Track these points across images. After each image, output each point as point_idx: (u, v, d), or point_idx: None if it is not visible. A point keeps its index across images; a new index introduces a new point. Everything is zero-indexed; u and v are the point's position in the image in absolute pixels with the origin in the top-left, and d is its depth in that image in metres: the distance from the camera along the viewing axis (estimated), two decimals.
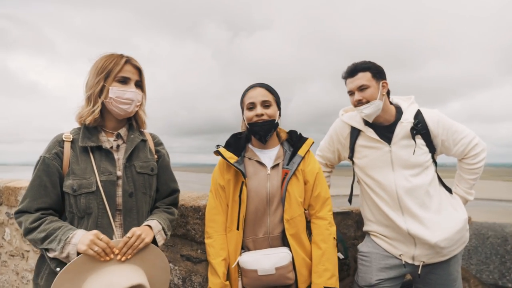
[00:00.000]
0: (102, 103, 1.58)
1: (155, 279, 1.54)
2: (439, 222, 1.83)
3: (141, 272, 1.47)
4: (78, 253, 1.38)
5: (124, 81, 1.59)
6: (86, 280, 1.37)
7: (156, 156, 1.76)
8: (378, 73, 1.89)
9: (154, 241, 1.57)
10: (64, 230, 1.42)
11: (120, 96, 1.56)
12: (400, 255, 1.88)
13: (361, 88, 1.86)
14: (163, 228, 1.62)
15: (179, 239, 2.34)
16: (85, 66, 1.64)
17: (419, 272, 1.86)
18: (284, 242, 1.71)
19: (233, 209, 1.74)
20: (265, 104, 1.73)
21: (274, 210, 1.72)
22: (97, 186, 1.51)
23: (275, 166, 1.77)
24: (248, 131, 1.80)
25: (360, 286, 1.94)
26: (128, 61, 1.60)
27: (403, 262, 1.87)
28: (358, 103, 1.88)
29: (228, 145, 1.82)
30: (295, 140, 1.84)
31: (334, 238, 1.76)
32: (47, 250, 1.43)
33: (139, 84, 1.65)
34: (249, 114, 1.74)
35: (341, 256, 1.92)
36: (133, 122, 1.73)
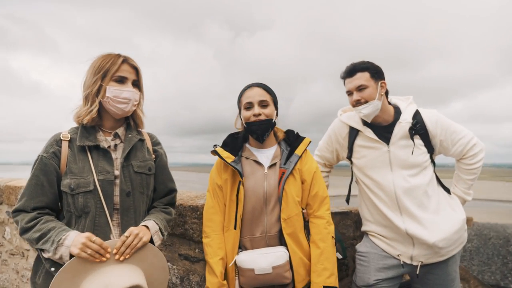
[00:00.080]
0: (100, 103, 1.59)
1: (154, 279, 1.54)
2: (437, 222, 1.82)
3: (139, 272, 1.47)
4: (71, 255, 1.37)
5: (121, 80, 1.59)
6: (84, 280, 1.37)
7: (153, 156, 1.76)
8: (376, 73, 1.88)
9: (151, 242, 1.57)
10: (57, 231, 1.42)
11: (117, 95, 1.57)
12: (398, 255, 1.88)
13: (360, 88, 1.86)
14: (160, 229, 1.62)
15: (177, 238, 2.35)
16: (86, 66, 1.64)
17: (417, 272, 1.86)
18: (282, 242, 1.72)
19: (230, 208, 1.74)
20: (263, 104, 1.74)
21: (271, 209, 1.72)
22: (95, 185, 1.52)
23: (272, 166, 1.77)
24: (245, 130, 1.81)
25: (358, 286, 1.93)
26: (125, 60, 1.61)
27: (401, 262, 1.87)
28: (356, 103, 1.88)
29: (225, 145, 1.82)
30: (292, 140, 1.84)
31: (332, 237, 1.76)
32: (42, 250, 1.43)
33: (137, 84, 1.66)
34: (246, 113, 1.75)
35: (340, 256, 1.92)
36: (131, 121, 1.73)
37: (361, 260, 1.96)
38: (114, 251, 1.43)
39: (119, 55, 1.61)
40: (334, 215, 2.27)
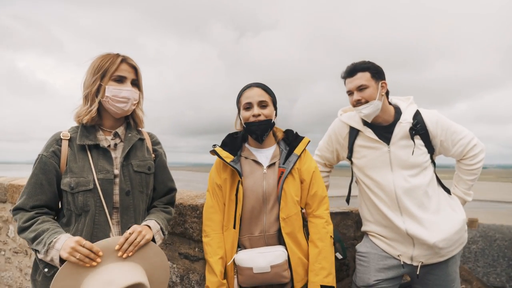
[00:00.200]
0: (99, 102, 1.60)
1: (155, 278, 1.54)
2: (437, 223, 1.82)
3: (141, 270, 1.47)
4: (61, 258, 1.37)
5: (120, 80, 1.60)
6: (87, 277, 1.37)
7: (153, 155, 1.77)
8: (377, 73, 1.88)
9: (152, 241, 1.57)
10: (50, 233, 1.42)
11: (116, 94, 1.58)
12: (398, 256, 1.87)
13: (360, 88, 1.86)
14: (161, 228, 1.63)
15: (177, 237, 2.36)
16: (86, 66, 1.65)
17: (417, 273, 1.86)
18: (280, 241, 1.72)
19: (229, 207, 1.75)
20: (262, 104, 1.74)
21: (270, 209, 1.72)
22: (95, 184, 1.53)
23: (271, 165, 1.77)
24: (244, 130, 1.81)
25: (358, 286, 1.93)
26: (124, 60, 1.61)
27: (402, 263, 1.86)
28: (357, 103, 1.88)
29: (224, 145, 1.83)
30: (291, 139, 1.85)
31: (331, 236, 1.76)
32: (36, 250, 1.44)
33: (136, 83, 1.67)
34: (246, 114, 1.75)
35: (340, 256, 1.92)
36: (131, 121, 1.74)
37: (361, 260, 1.96)
38: (117, 247, 1.43)
39: (118, 55, 1.62)
40: (334, 215, 2.26)
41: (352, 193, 2.19)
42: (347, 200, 2.24)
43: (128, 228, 1.51)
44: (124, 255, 1.44)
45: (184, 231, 2.30)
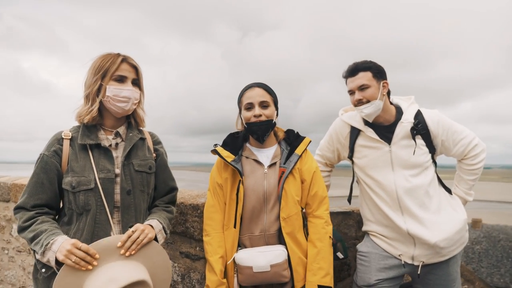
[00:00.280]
0: (101, 102, 1.61)
1: (157, 277, 1.54)
2: (438, 223, 1.81)
3: (143, 269, 1.48)
4: (57, 260, 1.37)
5: (121, 79, 1.61)
6: (89, 275, 1.38)
7: (154, 155, 1.78)
8: (378, 73, 1.87)
9: (155, 240, 1.58)
10: (47, 235, 1.42)
11: (117, 94, 1.58)
12: (399, 255, 1.87)
13: (362, 88, 1.85)
14: (163, 227, 1.64)
15: (178, 236, 2.37)
16: (88, 66, 1.66)
17: (418, 272, 1.85)
18: (281, 240, 1.72)
19: (230, 207, 1.75)
20: (263, 105, 1.74)
21: (271, 208, 1.72)
22: (96, 183, 1.53)
23: (272, 165, 1.78)
24: (246, 130, 1.81)
25: (359, 286, 1.93)
26: (125, 59, 1.62)
27: (403, 262, 1.86)
28: (358, 103, 1.87)
29: (225, 144, 1.83)
30: (292, 139, 1.85)
31: (330, 237, 1.76)
32: (34, 250, 1.45)
33: (136, 83, 1.67)
34: (247, 114, 1.75)
35: (341, 256, 1.92)
36: (132, 120, 1.75)
37: (362, 260, 1.96)
38: (119, 244, 1.44)
39: (118, 55, 1.62)
40: (336, 214, 2.26)
41: (353, 193, 2.19)
42: (349, 200, 2.24)
43: (129, 227, 1.51)
44: (127, 253, 1.44)
45: (185, 230, 2.30)
